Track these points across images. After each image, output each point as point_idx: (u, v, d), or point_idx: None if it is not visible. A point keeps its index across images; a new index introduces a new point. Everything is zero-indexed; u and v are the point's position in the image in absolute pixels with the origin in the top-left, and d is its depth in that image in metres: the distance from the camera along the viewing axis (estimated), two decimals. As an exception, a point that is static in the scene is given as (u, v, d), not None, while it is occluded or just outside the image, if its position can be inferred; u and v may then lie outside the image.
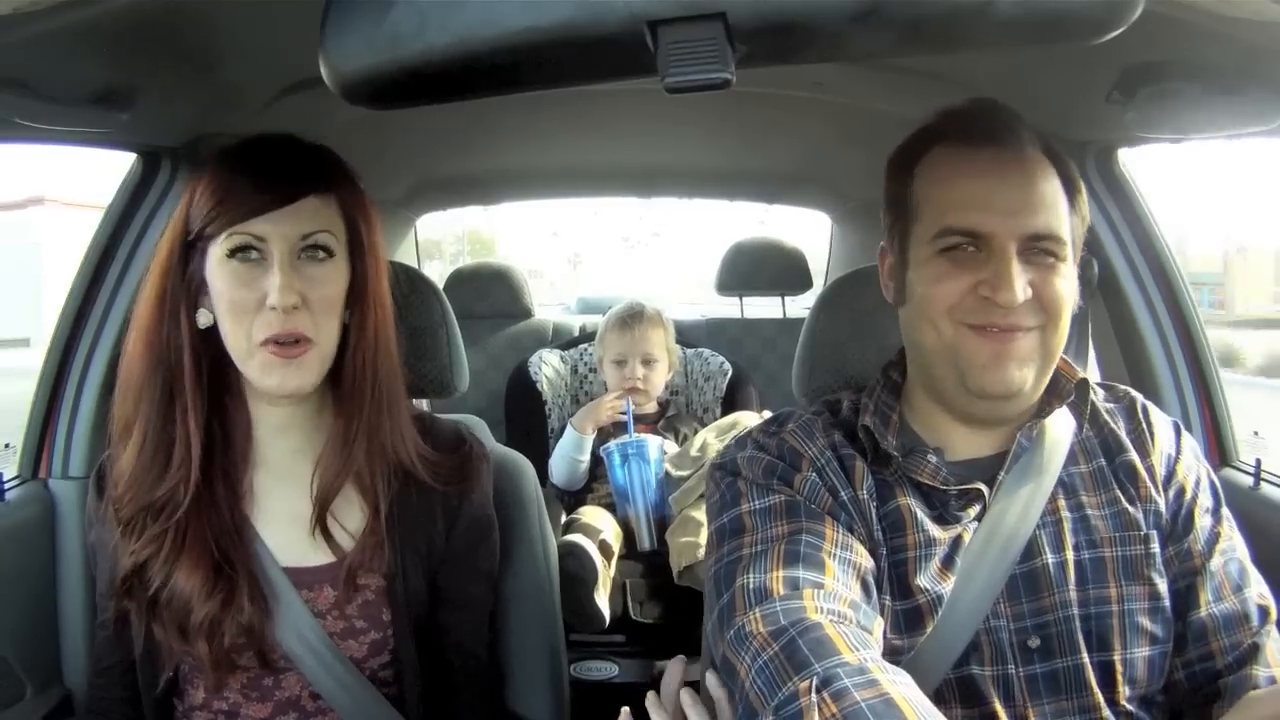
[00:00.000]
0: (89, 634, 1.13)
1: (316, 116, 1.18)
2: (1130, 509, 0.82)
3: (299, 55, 0.80)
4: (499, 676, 1.03)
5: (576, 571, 1.61)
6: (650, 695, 0.80)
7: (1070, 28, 0.55)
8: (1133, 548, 0.81)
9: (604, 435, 1.90)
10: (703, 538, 1.55)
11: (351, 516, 0.90)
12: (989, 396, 0.79)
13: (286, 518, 0.90)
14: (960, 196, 0.79)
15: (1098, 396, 0.88)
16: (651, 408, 1.99)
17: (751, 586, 0.73)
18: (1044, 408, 0.84)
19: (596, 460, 1.90)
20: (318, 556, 0.89)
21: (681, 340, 2.09)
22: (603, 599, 1.66)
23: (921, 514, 0.81)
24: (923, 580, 0.79)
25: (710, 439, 1.78)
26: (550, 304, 9.96)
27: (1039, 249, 0.78)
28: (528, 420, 2.02)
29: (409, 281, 1.04)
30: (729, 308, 2.72)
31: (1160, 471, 0.84)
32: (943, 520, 0.82)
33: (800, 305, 2.38)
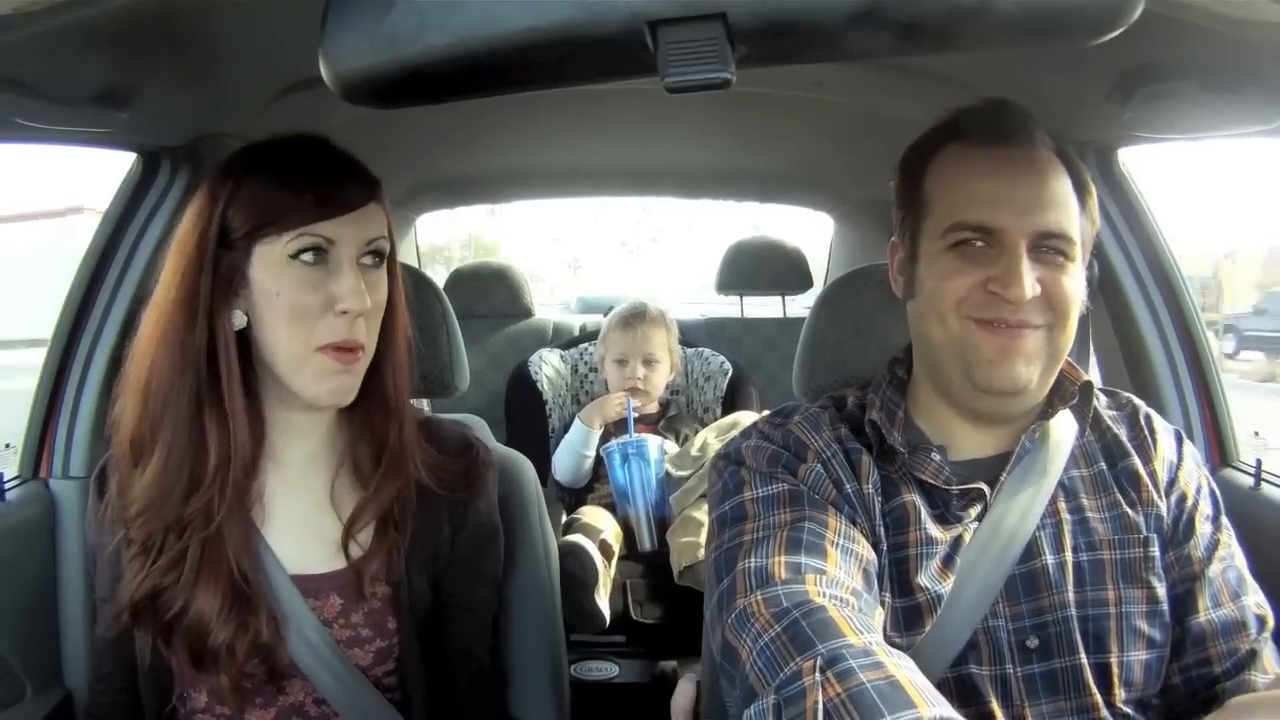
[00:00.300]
0: (90, 635, 1.12)
1: (316, 116, 1.18)
2: (1130, 513, 0.82)
3: (299, 55, 0.80)
4: (499, 677, 1.03)
5: (577, 572, 1.61)
6: None
7: (1070, 28, 0.55)
8: (1132, 551, 0.81)
9: (605, 435, 1.90)
10: (703, 538, 1.54)
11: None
12: (994, 392, 0.79)
13: (297, 524, 0.88)
14: (973, 193, 0.79)
15: (1100, 402, 0.88)
16: (652, 408, 1.98)
17: (753, 569, 0.72)
18: (1048, 409, 0.84)
19: (597, 460, 1.90)
20: (323, 564, 0.88)
21: (682, 340, 2.08)
22: (603, 599, 1.65)
23: (925, 512, 0.81)
24: (923, 579, 0.80)
25: (710, 439, 1.78)
26: (550, 304, 9.96)
27: (1049, 247, 0.78)
28: (528, 420, 2.02)
29: (410, 281, 1.04)
30: (728, 308, 2.72)
31: (1162, 477, 0.84)
32: (944, 520, 0.82)
33: (800, 305, 2.38)
